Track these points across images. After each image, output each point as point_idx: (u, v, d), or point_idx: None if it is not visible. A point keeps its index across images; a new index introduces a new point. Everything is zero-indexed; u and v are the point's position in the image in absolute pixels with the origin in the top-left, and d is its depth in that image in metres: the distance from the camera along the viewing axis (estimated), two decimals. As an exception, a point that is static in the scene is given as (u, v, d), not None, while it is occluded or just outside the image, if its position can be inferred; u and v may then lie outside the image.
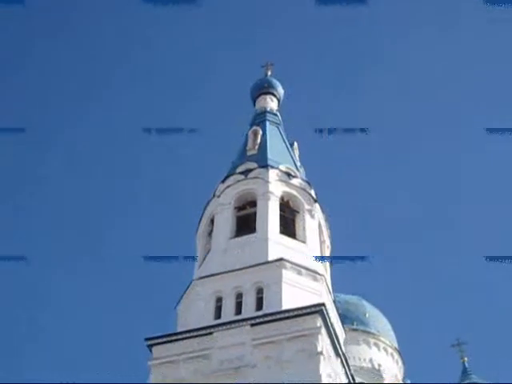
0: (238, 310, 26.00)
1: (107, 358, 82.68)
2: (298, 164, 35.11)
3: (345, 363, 26.56)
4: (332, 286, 30.00)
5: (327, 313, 24.60)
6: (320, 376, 22.33)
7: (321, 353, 23.06)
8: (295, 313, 24.28)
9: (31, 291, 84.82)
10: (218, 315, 26.17)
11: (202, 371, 24.02)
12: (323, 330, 24.08)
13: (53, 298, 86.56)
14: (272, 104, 40.11)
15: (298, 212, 31.04)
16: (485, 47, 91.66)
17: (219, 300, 26.72)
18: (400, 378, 44.34)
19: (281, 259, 26.75)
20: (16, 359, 77.44)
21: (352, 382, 26.88)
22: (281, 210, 30.33)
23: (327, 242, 32.32)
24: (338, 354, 25.72)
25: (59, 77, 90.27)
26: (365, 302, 47.01)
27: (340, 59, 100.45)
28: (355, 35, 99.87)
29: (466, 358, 55.76)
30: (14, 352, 78.61)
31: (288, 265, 26.67)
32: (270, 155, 33.47)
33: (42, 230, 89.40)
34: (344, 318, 33.97)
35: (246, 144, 35.69)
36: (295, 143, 37.50)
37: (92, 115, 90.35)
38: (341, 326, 28.93)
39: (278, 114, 39.69)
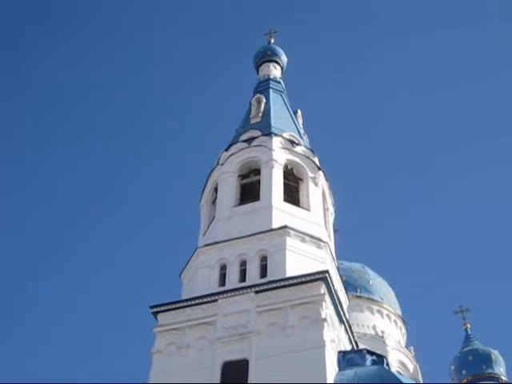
0: (243, 278, 26.11)
1: (113, 326, 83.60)
2: (302, 132, 35.00)
3: (348, 330, 26.75)
4: (336, 253, 30.09)
5: (331, 280, 24.70)
6: (324, 342, 22.48)
7: (325, 319, 23.17)
8: (299, 280, 24.36)
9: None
10: (222, 283, 26.30)
11: (206, 338, 24.22)
12: (327, 297, 24.20)
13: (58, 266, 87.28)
14: (275, 72, 39.94)
15: (301, 180, 31.03)
16: None
17: (223, 268, 26.83)
18: (403, 345, 44.66)
19: (285, 227, 26.79)
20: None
21: (355, 348, 27.04)
22: (284, 177, 30.31)
23: (331, 210, 32.35)
24: (341, 321, 25.91)
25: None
26: (369, 270, 47.25)
27: (343, 26, 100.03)
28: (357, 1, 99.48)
29: (468, 325, 56.16)
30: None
31: (292, 232, 26.72)
32: (273, 123, 33.38)
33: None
34: (348, 286, 34.19)
35: (249, 112, 35.60)
36: (299, 111, 37.38)
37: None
38: (344, 293, 29.09)
39: (282, 81, 39.50)
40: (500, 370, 52.31)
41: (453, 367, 53.93)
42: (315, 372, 21.68)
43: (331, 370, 22.48)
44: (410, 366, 42.64)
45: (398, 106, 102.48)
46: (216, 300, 24.96)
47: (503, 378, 51.97)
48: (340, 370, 23.47)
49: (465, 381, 52.25)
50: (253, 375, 22.33)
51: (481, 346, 54.04)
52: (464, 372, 52.71)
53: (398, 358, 41.84)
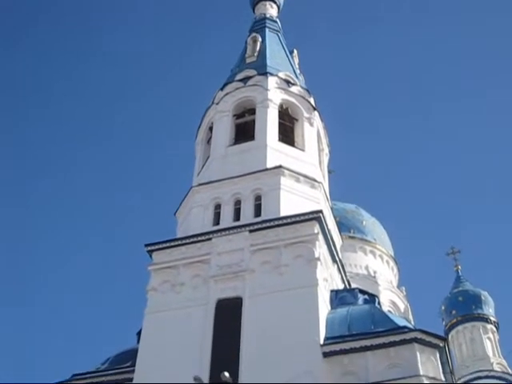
0: (237, 217, 26.20)
1: (109, 264, 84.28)
2: (298, 72, 34.71)
3: (341, 269, 27.00)
4: (330, 194, 30.17)
5: (325, 220, 24.80)
6: (317, 280, 22.69)
7: (318, 258, 23.35)
8: (293, 219, 24.44)
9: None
10: (216, 221, 26.38)
11: (201, 276, 24.39)
12: (320, 237, 24.34)
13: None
14: (272, 11, 39.41)
15: (296, 120, 30.90)
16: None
17: (218, 207, 26.90)
18: (395, 285, 45.24)
19: (279, 166, 26.78)
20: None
21: (348, 287, 27.33)
22: (280, 117, 30.16)
23: (326, 150, 32.32)
24: (334, 260, 26.11)
25: None
26: (362, 211, 47.55)
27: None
28: None
29: (459, 266, 56.98)
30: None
31: (286, 172, 26.74)
32: (269, 62, 33.06)
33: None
34: (341, 226, 34.38)
35: (245, 51, 35.22)
36: (295, 51, 37.00)
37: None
38: (338, 234, 29.22)
39: (278, 20, 38.98)
40: (489, 310, 53.23)
41: (443, 307, 54.87)
42: (308, 310, 21.94)
43: (324, 308, 22.75)
44: (401, 306, 43.27)
45: (396, 44, 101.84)
46: (210, 239, 25.05)
47: (492, 318, 52.90)
48: (332, 308, 23.76)
49: (454, 320, 53.25)
50: (246, 312, 22.55)
51: (471, 287, 54.87)
52: (454, 312, 53.66)
53: (390, 298, 42.45)
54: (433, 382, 19.83)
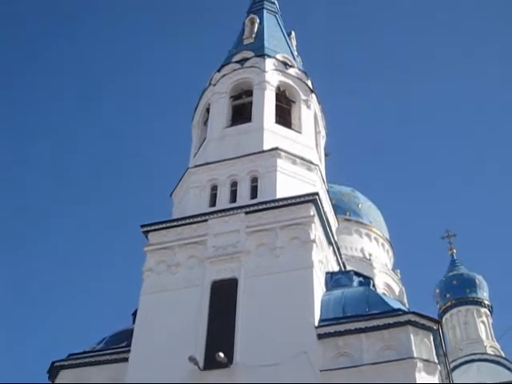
0: (233, 198, 26.20)
1: (105, 245, 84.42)
2: (295, 54, 34.63)
3: (336, 251, 27.10)
4: (326, 176, 30.19)
5: (321, 202, 24.82)
6: (312, 262, 22.74)
7: (313, 241, 23.39)
8: (289, 201, 24.46)
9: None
10: (213, 203, 26.39)
11: (196, 257, 24.42)
12: (316, 219, 24.39)
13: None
14: (270, -9, 39.15)
15: (294, 102, 30.86)
16: None
17: (214, 188, 26.91)
18: (390, 268, 45.39)
19: (276, 148, 26.77)
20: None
21: (343, 269, 27.43)
22: (277, 99, 30.10)
23: (323, 133, 32.33)
24: (330, 243, 26.20)
25: None
26: (358, 194, 47.60)
27: None
28: None
29: (454, 250, 57.20)
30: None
31: (283, 154, 26.73)
32: (266, 44, 32.96)
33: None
34: (337, 209, 34.46)
35: (242, 32, 35.13)
36: (293, 32, 36.90)
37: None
38: (334, 216, 29.26)
39: (276, 2, 38.80)
40: (483, 294, 53.52)
41: (437, 291, 55.15)
42: (303, 291, 22.00)
43: (319, 289, 22.83)
44: (396, 289, 43.44)
45: (395, 24, 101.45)
46: (206, 220, 25.06)
47: (486, 302, 53.20)
48: (327, 290, 23.83)
49: (449, 304, 53.57)
50: (242, 294, 22.60)
51: (466, 270, 55.11)
52: (448, 295, 53.93)
53: (385, 281, 42.60)
54: (426, 364, 19.98)
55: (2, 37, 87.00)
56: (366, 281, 25.61)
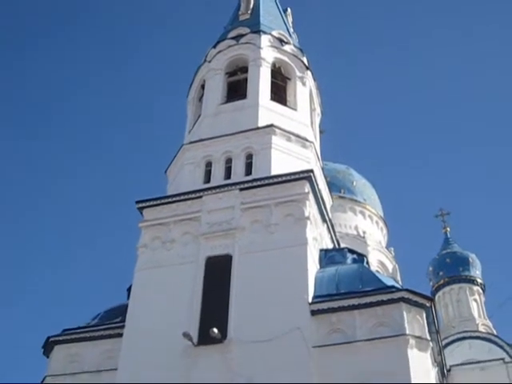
0: (228, 175, 26.22)
1: (100, 221, 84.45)
2: (291, 30, 34.47)
3: (331, 229, 27.17)
4: (321, 154, 30.18)
5: (315, 179, 24.82)
6: (306, 239, 22.81)
7: (308, 218, 23.43)
8: (284, 178, 24.47)
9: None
10: (207, 179, 26.40)
11: (191, 233, 24.46)
12: (311, 196, 24.39)
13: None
14: (266, -33, 38.80)
15: (289, 79, 30.77)
16: None
17: (209, 165, 26.89)
18: (383, 245, 45.51)
19: (271, 125, 26.72)
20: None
21: (337, 246, 27.52)
22: (272, 76, 30.00)
23: (318, 110, 32.27)
24: (324, 220, 26.25)
25: None
26: (353, 171, 47.58)
27: None
28: None
29: (448, 228, 57.30)
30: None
31: (278, 131, 26.68)
32: (262, 20, 32.78)
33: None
34: (332, 186, 34.43)
35: (238, 8, 34.90)
36: (288, 9, 36.69)
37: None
38: (328, 193, 29.28)
39: (272, -23, 38.45)
40: (476, 272, 53.76)
41: (431, 268, 55.35)
42: (297, 268, 22.08)
43: (313, 266, 22.91)
44: (390, 266, 43.59)
45: (393, 3, 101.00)
46: (201, 196, 25.06)
47: (479, 280, 53.45)
48: (321, 267, 23.92)
49: (441, 282, 53.78)
50: (236, 270, 22.69)
51: (459, 248, 55.28)
52: (441, 273, 54.15)
53: (378, 258, 42.73)
54: (418, 341, 20.13)
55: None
56: (360, 258, 25.72)
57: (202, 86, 31.13)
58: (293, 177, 24.45)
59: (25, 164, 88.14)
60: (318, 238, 24.62)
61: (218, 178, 26.15)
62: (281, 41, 31.60)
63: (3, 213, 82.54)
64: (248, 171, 25.92)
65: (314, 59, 33.03)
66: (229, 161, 26.64)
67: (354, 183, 46.10)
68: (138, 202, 26.04)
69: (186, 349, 21.14)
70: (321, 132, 32.76)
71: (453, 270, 53.53)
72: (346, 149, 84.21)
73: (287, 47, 31.48)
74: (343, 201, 43.94)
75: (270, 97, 28.88)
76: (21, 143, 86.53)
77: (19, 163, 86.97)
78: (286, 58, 31.08)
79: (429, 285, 55.44)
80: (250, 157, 26.36)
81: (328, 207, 27.76)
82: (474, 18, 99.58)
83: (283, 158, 26.03)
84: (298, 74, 30.76)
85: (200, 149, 27.34)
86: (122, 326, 23.05)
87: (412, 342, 19.91)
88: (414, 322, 20.52)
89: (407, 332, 20.02)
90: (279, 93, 29.83)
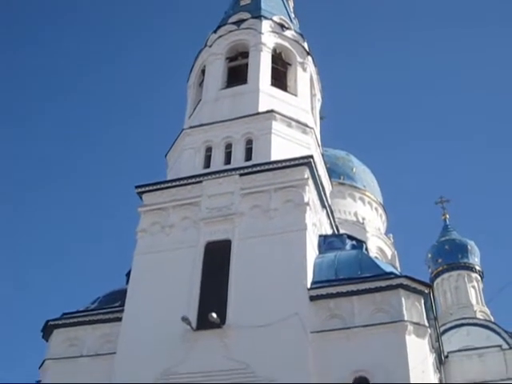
0: (228, 160, 26.19)
1: (99, 205, 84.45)
2: (292, 16, 34.32)
3: (330, 215, 27.17)
4: (321, 140, 30.13)
5: (315, 165, 24.80)
6: (305, 225, 22.82)
7: (307, 203, 23.43)
8: (283, 164, 24.45)
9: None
10: (207, 164, 26.38)
11: (190, 218, 24.50)
12: (310, 182, 24.39)
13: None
14: (267, -48, 38.59)
15: (290, 64, 30.67)
16: None
17: (209, 150, 26.86)
18: (382, 232, 45.52)
19: (271, 111, 26.66)
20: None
21: (336, 232, 27.53)
22: (273, 62, 29.91)
23: (318, 96, 32.18)
24: (323, 206, 26.25)
25: None
26: (353, 158, 47.49)
27: None
28: None
29: (447, 215, 57.22)
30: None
31: (278, 117, 26.63)
32: (263, 5, 32.64)
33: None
34: (332, 172, 34.39)
35: (239, -7, 34.72)
36: (289, -5, 36.50)
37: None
38: (328, 180, 29.28)
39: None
40: (475, 259, 53.73)
41: (429, 255, 55.31)
42: (296, 254, 22.12)
43: (312, 252, 22.96)
44: (389, 253, 43.60)
45: None
46: (201, 181, 25.06)
47: (477, 267, 53.46)
48: (320, 253, 23.99)
49: (440, 268, 53.75)
50: (235, 255, 22.74)
51: (458, 236, 55.21)
52: (440, 260, 54.10)
53: (377, 245, 42.72)
54: (416, 327, 20.19)
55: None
56: (359, 244, 25.77)
57: (203, 71, 31.03)
58: (293, 162, 24.42)
59: (24, 148, 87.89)
60: (317, 224, 24.64)
61: (217, 163, 26.12)
62: (282, 26, 31.47)
63: (3, 195, 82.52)
64: (248, 156, 25.88)
65: (315, 45, 32.97)
66: (229, 146, 26.60)
67: (354, 170, 46.02)
68: (137, 187, 26.05)
69: (184, 333, 21.22)
70: (321, 118, 32.70)
71: (451, 257, 53.49)
72: (346, 135, 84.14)
73: (288, 32, 31.36)
74: (343, 187, 43.88)
75: (270, 82, 28.79)
76: (18, 131, 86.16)
77: (19, 146, 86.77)
78: (286, 44, 30.97)
79: (427, 271, 55.47)
80: (250, 142, 26.31)
81: (327, 193, 27.75)
82: (474, 13, 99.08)
83: (283, 144, 25.99)
84: (299, 59, 30.66)
85: (200, 134, 27.29)
86: (121, 310, 23.12)
87: (410, 328, 19.98)
88: (412, 308, 20.59)
89: (405, 318, 20.09)
90: (280, 78, 29.72)
